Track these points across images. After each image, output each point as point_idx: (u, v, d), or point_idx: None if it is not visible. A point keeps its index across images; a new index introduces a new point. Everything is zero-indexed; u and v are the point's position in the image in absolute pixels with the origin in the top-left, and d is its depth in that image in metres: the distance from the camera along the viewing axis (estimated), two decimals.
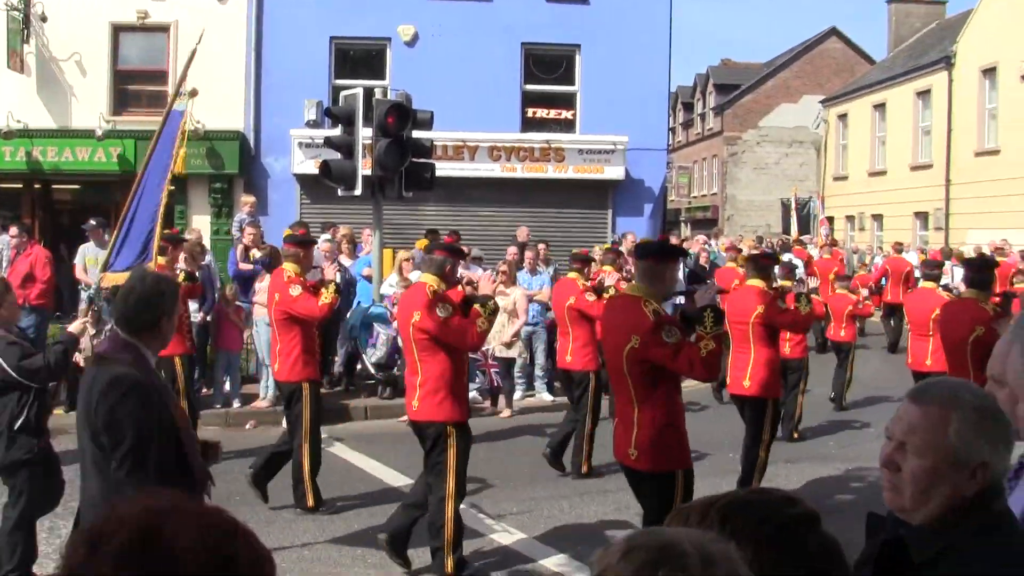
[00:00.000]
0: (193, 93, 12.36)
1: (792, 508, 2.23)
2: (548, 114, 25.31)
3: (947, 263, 22.35)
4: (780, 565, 2.13)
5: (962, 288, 12.61)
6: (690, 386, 19.32)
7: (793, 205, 36.94)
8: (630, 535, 1.82)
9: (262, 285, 15.54)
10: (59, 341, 8.28)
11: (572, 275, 13.16)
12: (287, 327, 10.78)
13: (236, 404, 15.77)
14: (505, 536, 9.92)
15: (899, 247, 27.66)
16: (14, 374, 7.77)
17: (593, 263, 14.71)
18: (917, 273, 28.10)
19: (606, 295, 12.06)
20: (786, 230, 38.38)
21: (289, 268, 11.01)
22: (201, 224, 22.19)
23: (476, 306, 8.64)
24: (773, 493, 2.29)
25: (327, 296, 10.83)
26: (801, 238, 31.53)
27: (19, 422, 7.89)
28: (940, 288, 13.75)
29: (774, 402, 11.03)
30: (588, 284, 12.91)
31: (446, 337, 8.55)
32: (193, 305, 15.15)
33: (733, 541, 2.05)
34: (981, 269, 10.88)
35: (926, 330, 12.70)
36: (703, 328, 7.03)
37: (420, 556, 8.87)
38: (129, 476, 5.02)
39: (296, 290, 10.68)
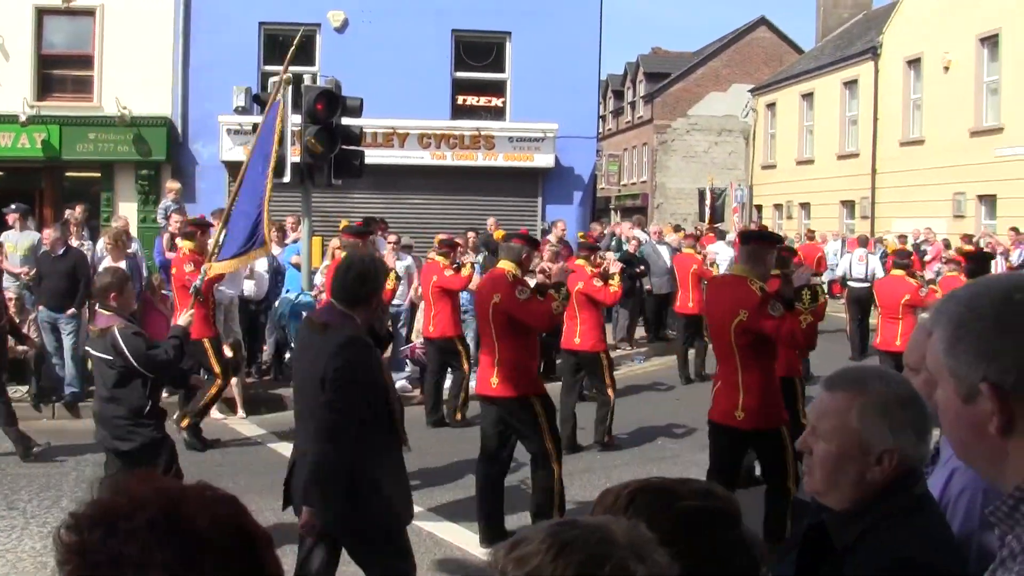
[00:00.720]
0: (288, 82, 13.53)
1: (712, 501, 2.25)
2: (478, 101, 25.29)
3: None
4: (693, 550, 2.11)
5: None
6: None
7: (709, 194, 37.76)
8: (553, 527, 1.76)
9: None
10: (173, 335, 8.72)
11: (580, 262, 13.96)
12: (185, 295, 12.04)
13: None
14: (439, 526, 9.91)
15: (811, 234, 28.20)
16: (136, 364, 8.25)
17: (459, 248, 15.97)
18: (831, 259, 28.63)
19: (611, 281, 13.28)
20: (702, 218, 39.04)
21: (187, 245, 12.34)
22: (128, 211, 21.87)
23: (551, 291, 9.37)
24: (692, 483, 2.31)
25: (390, 284, 12.09)
26: (715, 226, 32.02)
27: (147, 408, 8.46)
28: (908, 275, 14.86)
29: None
30: (595, 270, 13.66)
31: (526, 317, 9.23)
32: None
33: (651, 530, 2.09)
34: (980, 261, 12.46)
35: (896, 313, 14.16)
36: (801, 304, 8.00)
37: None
38: (342, 417, 6.04)
39: (190, 265, 11.94)
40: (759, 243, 8.73)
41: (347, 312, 6.30)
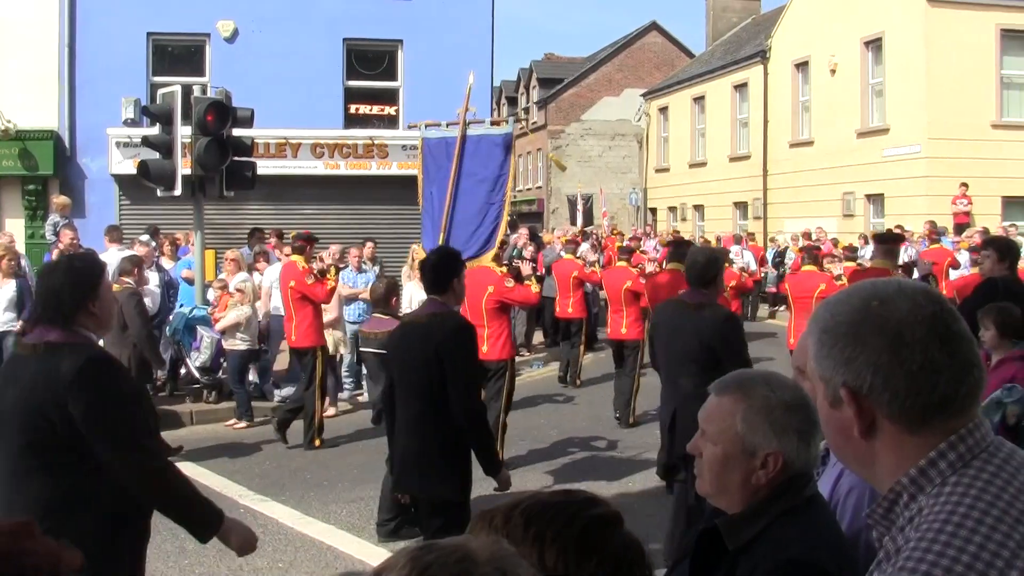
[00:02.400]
0: (518, 119, 14.74)
1: (595, 509, 2.24)
2: (371, 110, 25.18)
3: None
4: (585, 566, 2.14)
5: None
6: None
7: (579, 200, 38.80)
8: (413, 551, 1.73)
9: None
10: None
11: (622, 263, 16.75)
12: (302, 304, 13.71)
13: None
14: (334, 537, 9.84)
15: (677, 234, 29.04)
16: None
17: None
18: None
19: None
20: (573, 223, 39.77)
21: (299, 260, 14.02)
22: (15, 228, 21.42)
23: (529, 280, 12.79)
24: (576, 495, 2.30)
25: (332, 280, 14.37)
26: (585, 230, 32.64)
27: None
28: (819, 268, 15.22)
29: None
30: (640, 269, 16.91)
31: (518, 298, 12.36)
32: (11, 314, 14.67)
33: (537, 543, 2.12)
34: (887, 241, 12.79)
35: (810, 309, 13.38)
36: None
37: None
38: (469, 399, 7.05)
39: (310, 279, 13.70)
40: (894, 243, 12.35)
41: (438, 299, 7.33)
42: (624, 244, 21.50)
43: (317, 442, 13.75)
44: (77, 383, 4.50)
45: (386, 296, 10.75)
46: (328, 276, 14.33)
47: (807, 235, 30.30)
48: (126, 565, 4.82)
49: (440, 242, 12.15)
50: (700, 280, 8.17)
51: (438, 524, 7.02)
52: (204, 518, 4.98)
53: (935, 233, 23.67)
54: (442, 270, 7.33)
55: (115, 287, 12.86)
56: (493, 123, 14.02)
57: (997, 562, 1.83)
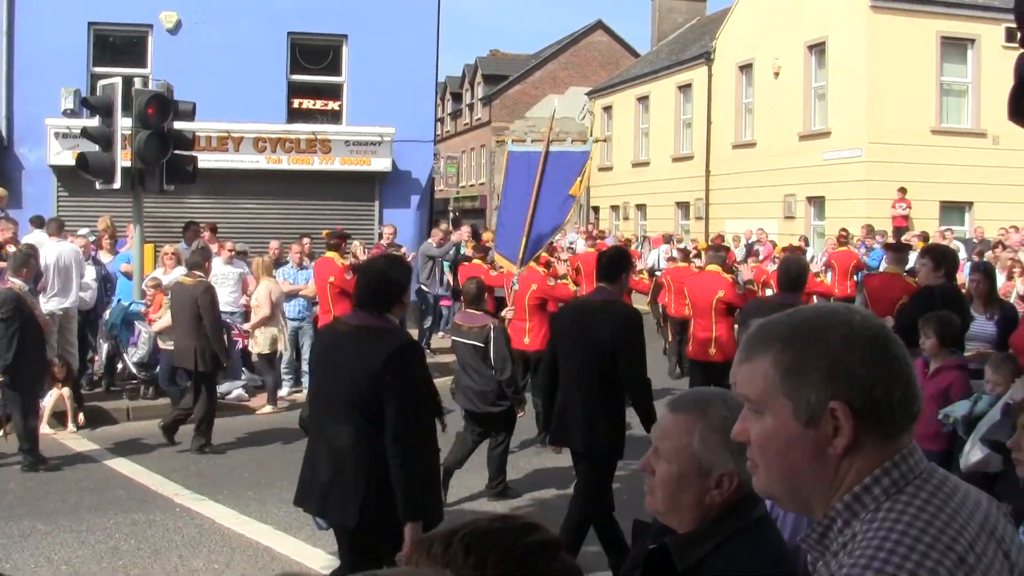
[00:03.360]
0: (601, 139, 15.53)
1: (535, 535, 2.22)
2: (315, 105, 25.03)
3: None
4: None
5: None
6: None
7: None
8: None
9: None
10: None
11: (715, 267, 14.30)
12: (340, 298, 14.21)
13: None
14: (271, 537, 9.76)
15: (601, 233, 29.40)
16: None
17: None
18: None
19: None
20: (455, 224, 40.14)
21: (335, 256, 15.19)
22: None
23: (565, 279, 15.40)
24: (514, 520, 2.28)
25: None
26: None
27: None
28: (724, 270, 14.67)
29: None
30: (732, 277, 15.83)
31: (559, 295, 13.95)
32: None
33: (479, 570, 2.09)
34: (900, 249, 13.84)
35: (708, 315, 13.44)
36: None
37: None
38: (640, 372, 8.45)
39: (349, 274, 14.21)
40: (904, 251, 14.06)
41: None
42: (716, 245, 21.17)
43: None
44: (392, 362, 5.76)
45: (478, 295, 11.48)
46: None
47: (741, 237, 30.65)
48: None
49: (522, 246, 13.28)
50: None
51: (585, 468, 8.56)
52: (421, 507, 5.84)
53: (843, 236, 23.99)
54: (616, 263, 8.80)
55: (188, 280, 13.45)
56: (574, 141, 15.12)
57: None
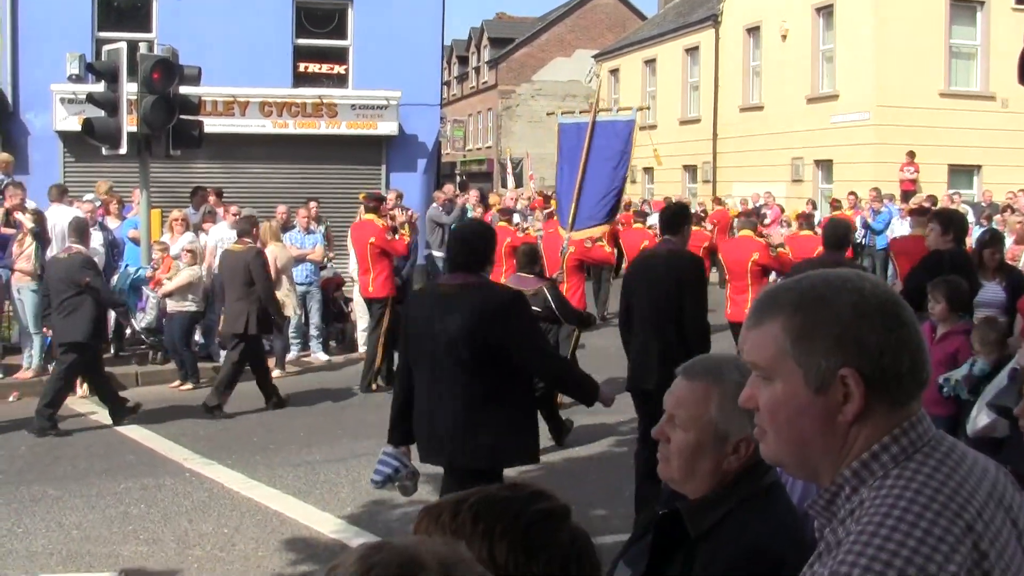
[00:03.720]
0: (641, 108, 16.70)
1: (543, 503, 2.23)
2: (320, 69, 24.90)
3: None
4: (534, 560, 2.14)
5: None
6: None
7: (508, 165, 39.52)
8: (363, 550, 1.73)
9: (23, 251, 14.94)
10: None
11: (747, 232, 14.69)
12: (379, 259, 15.04)
13: None
14: (280, 502, 9.81)
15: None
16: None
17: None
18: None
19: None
20: (504, 186, 40.18)
21: (374, 218, 15.54)
22: None
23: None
24: (523, 489, 2.29)
25: (406, 235, 16.56)
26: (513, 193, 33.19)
27: None
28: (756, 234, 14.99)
29: None
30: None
31: (597, 257, 16.11)
32: None
33: (487, 539, 2.12)
34: (923, 212, 13.71)
35: (744, 279, 13.81)
36: None
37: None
38: (703, 316, 9.09)
39: (390, 235, 15.43)
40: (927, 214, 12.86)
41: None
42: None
43: (374, 386, 14.83)
44: (510, 308, 6.60)
45: (530, 259, 11.99)
46: (403, 232, 16.52)
47: (748, 200, 30.65)
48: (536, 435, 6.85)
49: (571, 213, 13.77)
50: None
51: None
52: (591, 387, 7.02)
53: (835, 203, 24.00)
54: (677, 216, 9.60)
55: (237, 247, 14.13)
56: (620, 110, 15.49)
57: (936, 556, 1.84)
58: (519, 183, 39.75)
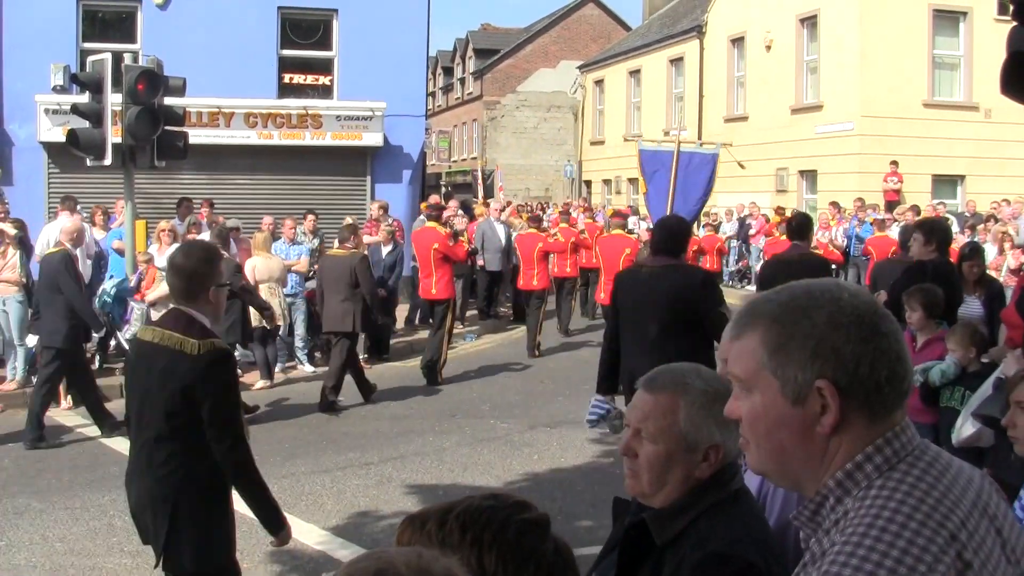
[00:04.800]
0: (725, 144, 20.20)
1: (526, 513, 2.29)
2: (305, 80, 24.93)
3: None
4: (523, 570, 2.19)
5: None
6: None
7: (480, 176, 41.05)
8: (351, 561, 1.80)
9: (6, 262, 14.89)
10: None
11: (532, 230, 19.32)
12: (441, 264, 16.41)
13: None
14: None
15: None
16: None
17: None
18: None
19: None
20: (475, 196, 40.89)
21: (436, 225, 16.91)
22: None
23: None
24: (506, 499, 2.33)
25: (465, 244, 18.66)
26: (486, 202, 33.61)
27: None
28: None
29: None
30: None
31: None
32: None
33: (475, 548, 2.17)
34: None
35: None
36: None
37: None
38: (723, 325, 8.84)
39: (452, 241, 16.99)
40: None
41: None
42: (531, 215, 23.75)
43: (440, 378, 16.20)
44: (706, 282, 8.27)
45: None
46: (461, 239, 18.55)
47: (733, 210, 30.69)
48: None
49: None
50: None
51: None
52: None
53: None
54: (803, 225, 11.05)
55: (341, 252, 15.00)
56: (703, 144, 18.79)
57: (920, 567, 1.84)
58: (489, 194, 40.68)
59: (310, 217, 18.92)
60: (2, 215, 16.05)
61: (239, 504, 9.99)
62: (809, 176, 33.68)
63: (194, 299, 5.40)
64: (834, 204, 27.38)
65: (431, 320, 17.38)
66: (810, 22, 33.45)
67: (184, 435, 5.29)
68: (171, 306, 5.73)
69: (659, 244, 8.53)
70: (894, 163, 29.83)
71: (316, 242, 18.44)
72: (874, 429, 2.04)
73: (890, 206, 27.66)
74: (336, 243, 15.62)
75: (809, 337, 2.04)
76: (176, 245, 15.47)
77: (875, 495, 1.98)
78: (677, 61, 42.05)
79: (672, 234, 8.53)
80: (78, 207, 17.30)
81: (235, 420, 5.44)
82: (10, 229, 15.23)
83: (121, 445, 12.31)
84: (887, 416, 2.05)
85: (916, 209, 24.11)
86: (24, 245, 15.09)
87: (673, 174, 17.14)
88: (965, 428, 6.96)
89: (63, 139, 16.79)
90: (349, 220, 17.73)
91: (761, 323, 2.11)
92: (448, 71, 68.54)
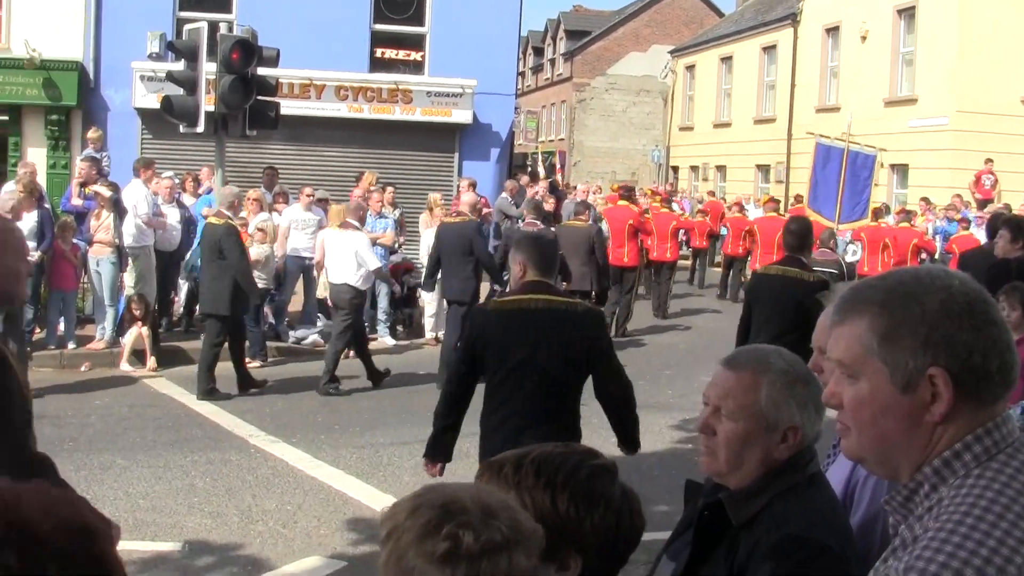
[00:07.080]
0: (882, 150, 23.29)
1: (596, 459, 2.50)
2: (397, 55, 25.01)
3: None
4: (594, 510, 2.39)
5: None
6: None
7: (540, 157, 41.52)
8: (418, 492, 1.98)
9: (100, 223, 15.13)
10: None
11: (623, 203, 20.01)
12: (632, 237, 19.22)
13: (71, 346, 15.24)
14: (343, 482, 9.87)
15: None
16: None
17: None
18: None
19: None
20: (534, 179, 40.85)
21: (628, 204, 19.85)
22: (37, 157, 21.23)
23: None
24: (576, 447, 2.55)
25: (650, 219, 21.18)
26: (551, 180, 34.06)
27: None
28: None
29: None
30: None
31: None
32: (31, 243, 14.67)
33: (549, 490, 2.36)
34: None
35: (623, 237, 19.14)
36: None
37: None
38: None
39: (642, 217, 19.99)
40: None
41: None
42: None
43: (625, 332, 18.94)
44: (815, 289, 8.85)
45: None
46: (647, 216, 20.74)
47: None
48: None
49: (836, 212, 20.20)
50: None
51: None
52: None
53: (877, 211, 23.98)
54: (806, 236, 10.20)
55: (578, 223, 17.05)
56: (866, 146, 21.74)
57: (1016, 558, 1.83)
58: (550, 173, 41.06)
59: (389, 189, 18.99)
60: (91, 178, 16.30)
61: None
62: (900, 170, 33.19)
63: None
64: (925, 200, 26.98)
65: (619, 284, 19.23)
66: (908, 13, 32.91)
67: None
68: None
69: (791, 244, 9.59)
70: (989, 160, 29.29)
71: (396, 214, 18.51)
72: (977, 418, 2.02)
73: (982, 204, 27.19)
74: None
75: (921, 324, 2.01)
76: (263, 215, 15.66)
77: (972, 484, 1.96)
78: (770, 49, 41.61)
79: (801, 238, 9.61)
80: (154, 168, 17.43)
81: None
82: (105, 191, 15.47)
83: (204, 408, 12.54)
84: (991, 406, 2.03)
85: (1008, 208, 23.72)
86: (118, 207, 15.31)
87: (843, 168, 20.38)
88: None
89: (157, 106, 17.05)
90: (322, 193, 18.23)
91: (868, 309, 2.08)
92: (539, 51, 68.44)
